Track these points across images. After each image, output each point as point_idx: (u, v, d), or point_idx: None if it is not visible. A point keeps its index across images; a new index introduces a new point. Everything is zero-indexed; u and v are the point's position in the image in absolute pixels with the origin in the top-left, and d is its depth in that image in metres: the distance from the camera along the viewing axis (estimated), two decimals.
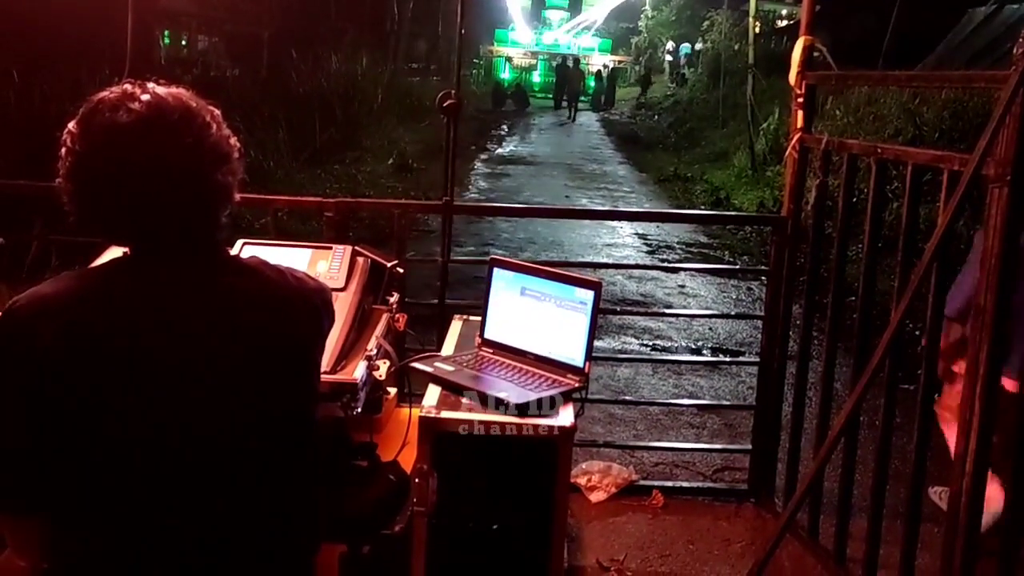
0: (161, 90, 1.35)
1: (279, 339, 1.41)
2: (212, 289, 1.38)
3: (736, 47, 19.22)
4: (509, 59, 36.90)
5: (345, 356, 2.10)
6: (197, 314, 1.35)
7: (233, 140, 1.41)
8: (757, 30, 16.80)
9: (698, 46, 26.41)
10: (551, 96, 33.26)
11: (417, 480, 2.02)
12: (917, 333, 2.82)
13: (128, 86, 1.35)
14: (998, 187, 2.14)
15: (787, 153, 3.32)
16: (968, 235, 4.41)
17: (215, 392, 1.34)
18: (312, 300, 1.47)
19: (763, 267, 3.98)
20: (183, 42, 24.99)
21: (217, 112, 1.40)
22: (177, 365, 1.32)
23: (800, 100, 3.20)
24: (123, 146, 1.30)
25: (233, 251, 2.32)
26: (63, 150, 1.32)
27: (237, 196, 1.42)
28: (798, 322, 3.34)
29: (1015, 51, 2.07)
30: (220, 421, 1.35)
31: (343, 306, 2.20)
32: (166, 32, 23.74)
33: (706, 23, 22.85)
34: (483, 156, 16.77)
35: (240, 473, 1.38)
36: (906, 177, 2.59)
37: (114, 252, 1.43)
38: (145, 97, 1.32)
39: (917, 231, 2.64)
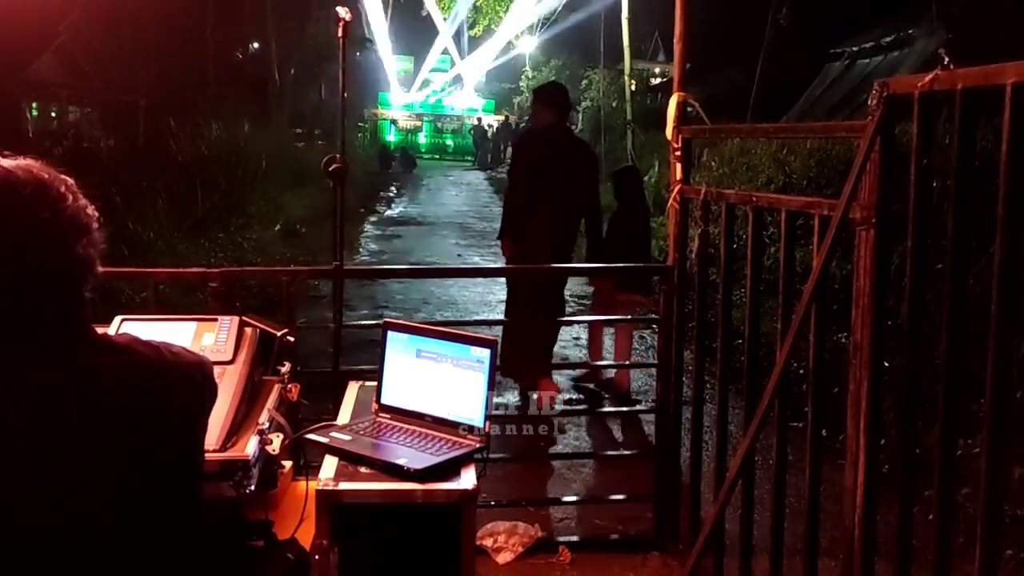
0: (8, 163, 1.28)
1: (156, 419, 1.33)
2: (78, 371, 1.29)
3: (615, 104, 19.92)
4: (394, 121, 37.10)
5: (235, 432, 2.01)
6: (61, 399, 1.26)
7: (91, 210, 1.35)
8: (633, 88, 17.49)
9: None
10: (437, 157, 33.78)
11: (317, 556, 1.94)
12: (802, 372, 2.93)
13: None
14: (864, 229, 2.26)
15: (669, 204, 3.43)
16: (841, 275, 4.64)
17: (85, 482, 1.26)
18: (191, 375, 1.41)
19: (654, 315, 4.07)
20: (53, 113, 24.14)
21: (71, 182, 1.33)
22: (39, 455, 1.23)
23: (677, 153, 3.33)
24: None
25: (111, 328, 2.22)
26: None
27: (99, 268, 1.35)
28: (690, 367, 3.42)
29: (869, 102, 2.22)
30: (92, 510, 1.27)
31: (231, 379, 2.11)
32: (34, 104, 22.90)
33: (584, 82, 23.63)
34: (373, 218, 16.69)
35: (120, 563, 1.29)
36: (781, 223, 2.72)
37: None
38: None
39: (794, 273, 2.76)
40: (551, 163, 5.34)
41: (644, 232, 6.07)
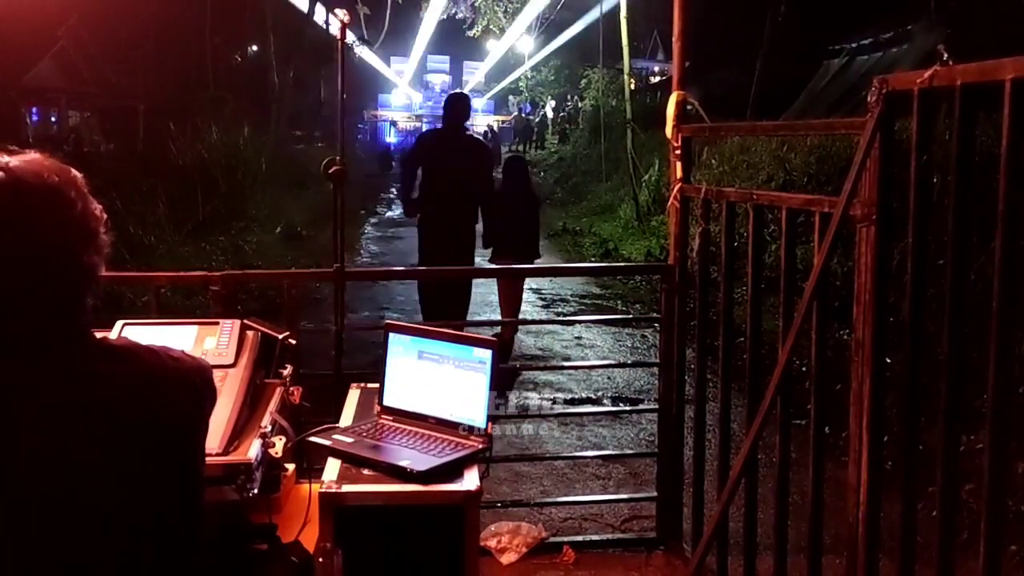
0: (16, 163, 1.24)
1: (156, 424, 1.33)
2: (78, 377, 1.28)
3: (614, 103, 19.89)
4: (394, 123, 37.14)
5: (238, 435, 2.01)
6: (62, 405, 1.25)
7: (99, 211, 1.32)
8: (632, 86, 17.46)
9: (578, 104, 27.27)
10: None
11: (321, 559, 1.94)
12: (804, 369, 2.92)
13: None
14: (865, 227, 2.26)
15: (669, 203, 3.43)
16: (842, 272, 4.64)
17: (87, 487, 1.25)
18: (190, 379, 1.40)
19: (655, 314, 4.08)
20: (52, 118, 24.17)
21: (80, 181, 1.30)
22: (41, 461, 1.22)
23: (677, 152, 3.32)
24: None
25: (112, 333, 2.22)
26: None
27: (103, 271, 1.32)
28: (692, 366, 3.42)
29: (869, 99, 2.21)
30: (94, 516, 1.26)
31: (233, 383, 2.12)
32: (33, 109, 22.93)
33: (583, 81, 23.60)
34: (373, 220, 16.69)
35: (124, 569, 1.29)
36: (781, 220, 2.71)
37: None
38: None
39: (795, 270, 2.76)
40: (448, 155, 6.38)
41: (532, 215, 7.06)
